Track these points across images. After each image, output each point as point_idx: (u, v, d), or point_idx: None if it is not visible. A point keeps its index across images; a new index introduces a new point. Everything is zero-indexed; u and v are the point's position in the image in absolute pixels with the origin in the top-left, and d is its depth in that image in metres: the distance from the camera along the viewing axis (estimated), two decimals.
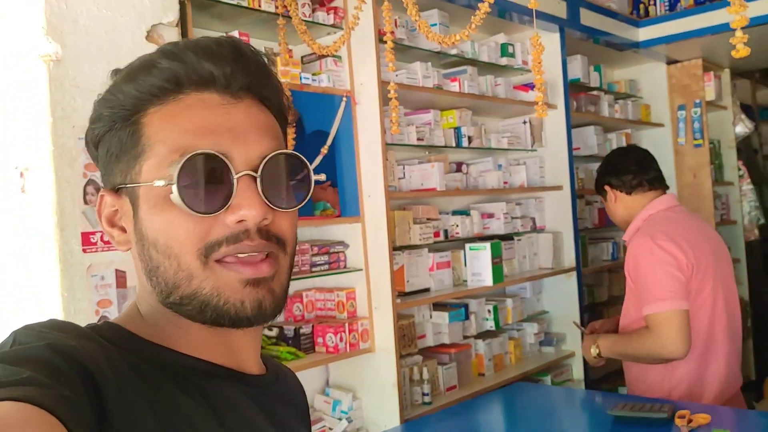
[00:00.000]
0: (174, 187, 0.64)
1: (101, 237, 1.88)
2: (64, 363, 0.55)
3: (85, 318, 1.84)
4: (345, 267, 2.70)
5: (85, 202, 1.85)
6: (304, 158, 0.73)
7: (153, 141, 0.67)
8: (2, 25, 1.87)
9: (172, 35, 2.09)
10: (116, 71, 0.72)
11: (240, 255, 0.66)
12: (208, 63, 0.68)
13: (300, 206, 0.72)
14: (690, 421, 1.83)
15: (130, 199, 0.69)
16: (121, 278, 1.92)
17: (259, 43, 2.43)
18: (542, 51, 1.88)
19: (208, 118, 0.67)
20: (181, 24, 2.12)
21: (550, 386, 3.32)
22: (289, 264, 0.73)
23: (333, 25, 2.64)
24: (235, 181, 0.66)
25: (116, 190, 0.71)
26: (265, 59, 0.73)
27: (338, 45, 2.27)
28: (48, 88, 1.80)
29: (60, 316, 1.80)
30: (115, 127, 0.69)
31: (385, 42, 2.21)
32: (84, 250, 1.84)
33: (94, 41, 1.90)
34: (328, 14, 2.63)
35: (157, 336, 0.70)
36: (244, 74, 0.69)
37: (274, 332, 2.59)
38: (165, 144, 0.66)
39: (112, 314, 1.90)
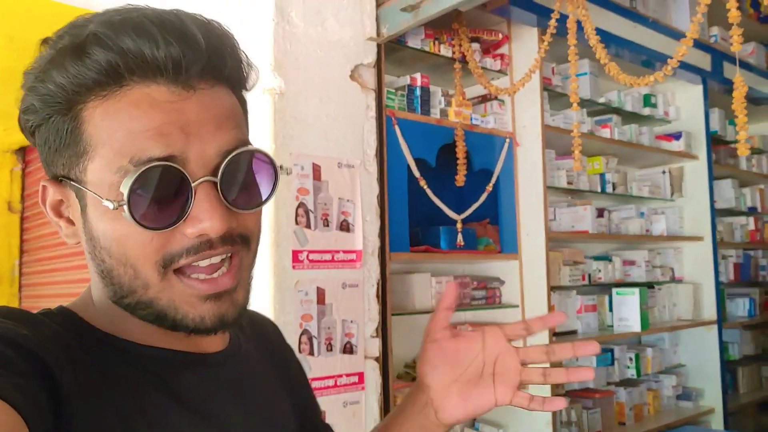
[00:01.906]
0: (125, 207, 0.58)
1: (307, 256, 2.03)
2: (14, 352, 0.53)
3: (291, 330, 1.97)
4: (500, 303, 2.76)
5: (296, 223, 2.01)
6: (267, 152, 0.66)
7: (96, 141, 0.60)
8: None
9: (370, 75, 2.27)
10: (45, 41, 0.63)
11: (200, 264, 0.62)
12: (149, 49, 0.58)
13: (265, 203, 0.67)
14: None
15: (76, 194, 0.64)
16: (321, 294, 2.06)
17: (434, 87, 2.58)
18: (745, 91, 1.93)
19: (158, 117, 0.59)
20: (377, 65, 2.30)
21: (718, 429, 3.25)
22: (254, 258, 0.68)
23: (499, 71, 2.77)
24: (192, 189, 0.60)
25: (59, 180, 0.65)
26: (217, 31, 0.63)
27: (517, 87, 2.39)
28: (272, 119, 1.99)
29: None
30: (51, 120, 0.62)
31: (548, 89, 2.32)
32: (293, 267, 1.99)
33: (311, 78, 2.09)
34: (494, 60, 2.77)
35: (112, 326, 0.66)
36: (193, 60, 0.60)
37: None
38: (110, 146, 0.59)
39: (313, 329, 2.03)
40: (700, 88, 3.66)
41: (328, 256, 2.08)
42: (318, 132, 2.10)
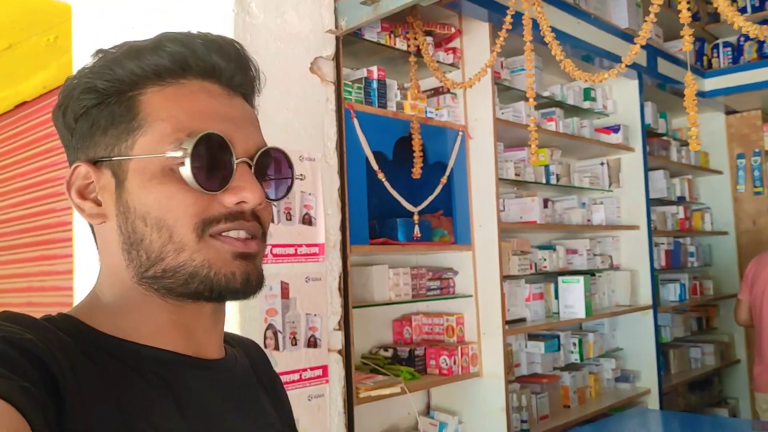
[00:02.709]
0: (187, 161, 0.65)
1: (271, 250, 2.02)
2: (19, 356, 0.55)
3: (256, 325, 1.96)
4: (454, 293, 2.82)
5: None
6: (289, 156, 0.77)
7: (153, 119, 0.68)
8: None
9: (329, 68, 2.26)
10: (100, 51, 0.72)
11: (233, 234, 0.68)
12: (216, 55, 0.71)
13: (284, 198, 0.77)
14: None
15: (113, 172, 0.69)
16: (285, 289, 2.05)
17: (390, 80, 2.60)
18: (695, 89, 2.03)
19: (214, 105, 0.70)
20: (336, 58, 2.29)
21: (669, 412, 3.41)
22: (264, 252, 0.76)
23: (451, 64, 2.81)
24: (235, 165, 0.68)
25: (95, 163, 0.71)
26: (255, 66, 0.76)
27: (473, 81, 2.43)
28: None
29: (237, 323, 1.92)
30: (108, 101, 0.69)
31: (496, 83, 2.36)
32: None
33: (270, 70, 2.06)
34: (447, 54, 2.81)
35: (115, 327, 0.69)
36: (243, 74, 0.73)
37: (389, 353, 2.69)
38: (169, 122, 0.67)
39: (278, 324, 2.01)
40: (636, 83, 3.82)
41: (291, 250, 2.06)
42: (279, 125, 2.08)
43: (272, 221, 1.94)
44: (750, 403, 4.54)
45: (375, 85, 2.50)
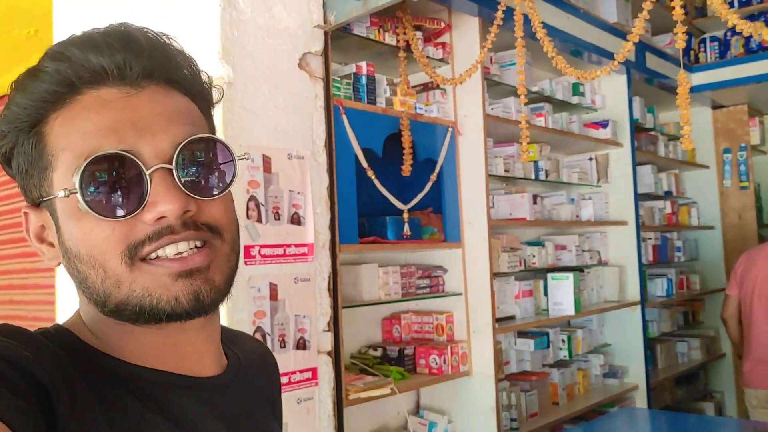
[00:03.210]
0: (78, 196, 0.60)
1: (259, 251, 1.97)
2: (14, 372, 0.54)
3: (244, 328, 1.91)
4: (444, 291, 2.79)
5: (247, 217, 1.94)
6: (223, 141, 0.68)
7: (57, 150, 0.63)
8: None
9: (318, 64, 2.21)
10: (14, 83, 0.66)
11: (167, 254, 0.62)
12: (95, 56, 0.63)
13: (226, 190, 0.68)
14: None
15: (50, 212, 0.66)
16: (274, 290, 2.01)
17: (379, 75, 2.55)
18: (689, 87, 2.00)
19: (108, 115, 0.62)
20: (324, 53, 2.24)
21: (656, 411, 3.41)
22: (231, 250, 0.69)
23: (441, 60, 2.77)
24: (147, 177, 0.61)
25: (37, 205, 0.67)
26: (164, 39, 0.67)
27: (464, 77, 2.39)
28: (221, 109, 1.90)
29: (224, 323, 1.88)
30: (19, 142, 0.65)
31: (486, 78, 2.33)
32: (246, 263, 1.92)
33: (259, 67, 2.02)
34: (436, 49, 2.77)
35: (105, 345, 0.66)
36: (138, 61, 0.64)
37: (379, 352, 2.66)
38: (69, 150, 0.62)
39: (266, 326, 1.97)
40: (624, 78, 3.80)
41: (280, 251, 2.02)
42: (267, 123, 2.03)
43: (260, 221, 1.90)
44: (735, 398, 4.57)
45: (364, 80, 2.45)
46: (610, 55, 3.57)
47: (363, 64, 2.46)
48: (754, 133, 4.86)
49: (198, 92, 0.71)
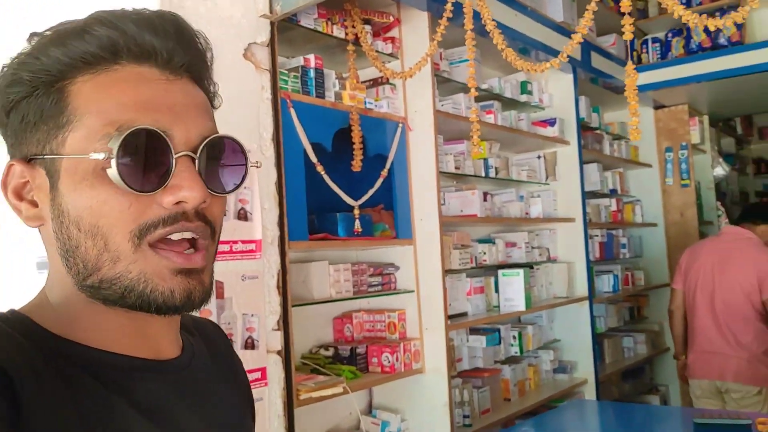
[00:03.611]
0: (113, 162, 0.60)
1: None
2: None
3: None
4: (396, 289, 2.75)
5: None
6: (241, 143, 0.71)
7: (82, 112, 0.62)
8: None
9: (264, 55, 2.15)
10: (35, 34, 0.65)
11: (174, 237, 0.63)
12: (150, 36, 0.64)
13: (235, 190, 0.70)
14: None
15: (47, 171, 0.64)
16: (220, 288, 1.93)
17: (328, 69, 2.50)
18: (636, 78, 2.02)
19: (148, 94, 0.63)
20: (271, 44, 2.18)
21: (605, 402, 3.44)
22: (215, 251, 0.70)
23: (390, 54, 2.74)
24: (173, 160, 0.62)
25: (28, 161, 0.65)
26: (203, 39, 0.70)
27: (413, 71, 2.37)
28: None
29: None
30: (35, 93, 0.63)
31: (436, 74, 2.31)
32: None
33: None
34: (385, 43, 2.73)
35: (69, 329, 0.65)
36: (185, 52, 0.66)
37: (330, 352, 2.60)
38: (98, 117, 0.61)
39: None
40: (570, 77, 3.85)
41: (226, 248, 1.95)
42: None
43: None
44: (679, 390, 4.68)
45: (312, 74, 2.40)
46: (556, 54, 3.57)
47: (311, 56, 2.40)
48: (695, 132, 4.99)
49: (213, 94, 0.74)
